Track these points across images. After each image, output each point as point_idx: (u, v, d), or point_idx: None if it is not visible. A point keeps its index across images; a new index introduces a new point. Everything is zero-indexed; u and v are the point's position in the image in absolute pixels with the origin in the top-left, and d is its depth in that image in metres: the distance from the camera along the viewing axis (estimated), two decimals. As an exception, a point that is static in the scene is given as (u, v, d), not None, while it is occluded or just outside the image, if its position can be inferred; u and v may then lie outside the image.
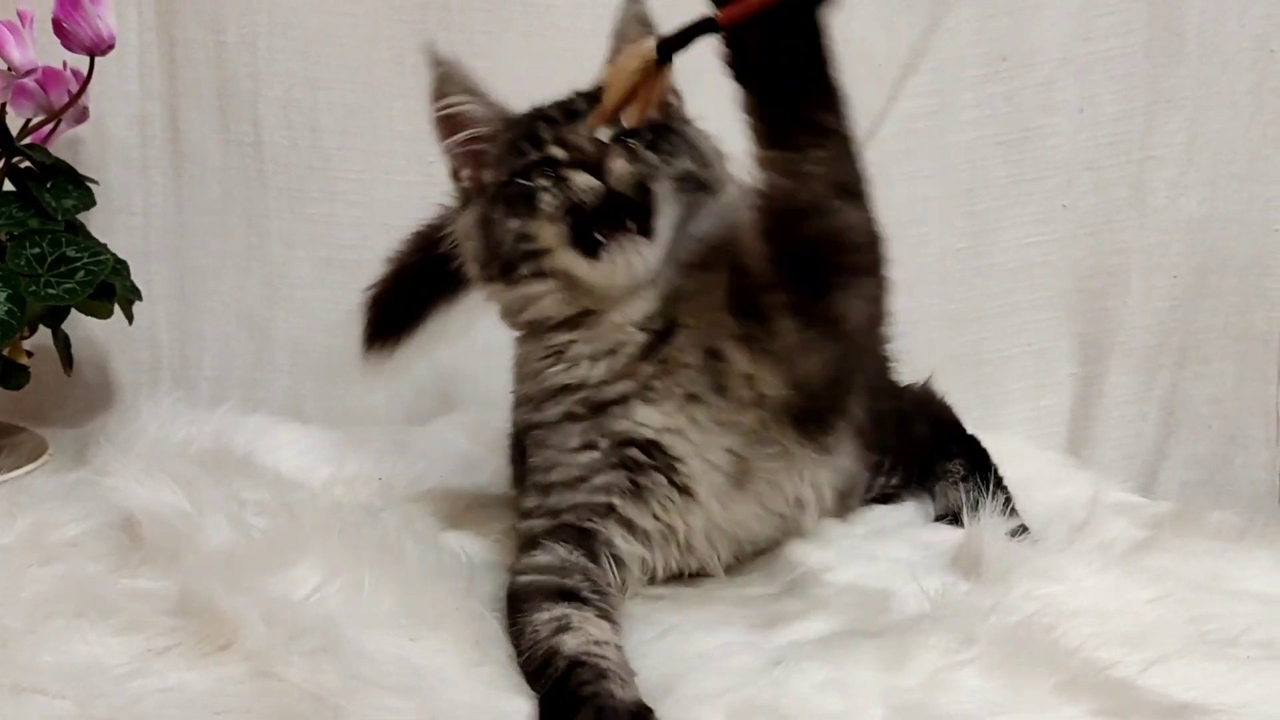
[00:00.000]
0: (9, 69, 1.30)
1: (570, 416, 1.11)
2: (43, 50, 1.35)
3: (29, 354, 1.33)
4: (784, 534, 1.19)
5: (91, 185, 1.38)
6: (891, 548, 1.22)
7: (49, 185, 1.30)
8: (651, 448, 1.08)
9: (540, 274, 1.09)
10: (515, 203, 1.08)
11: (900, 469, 1.39)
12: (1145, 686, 0.87)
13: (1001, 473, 1.38)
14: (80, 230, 1.31)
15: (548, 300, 1.10)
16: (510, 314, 1.16)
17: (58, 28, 1.31)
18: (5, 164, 1.30)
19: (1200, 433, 1.72)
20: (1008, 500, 1.29)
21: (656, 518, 1.10)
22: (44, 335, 1.38)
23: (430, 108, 1.17)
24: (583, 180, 1.05)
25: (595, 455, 1.09)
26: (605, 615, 1.00)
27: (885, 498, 1.39)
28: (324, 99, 1.67)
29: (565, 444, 1.11)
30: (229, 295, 1.70)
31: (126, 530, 1.05)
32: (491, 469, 1.42)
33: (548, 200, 1.06)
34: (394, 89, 1.67)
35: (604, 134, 1.08)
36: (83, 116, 1.42)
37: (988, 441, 1.47)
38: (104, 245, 1.29)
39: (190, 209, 1.68)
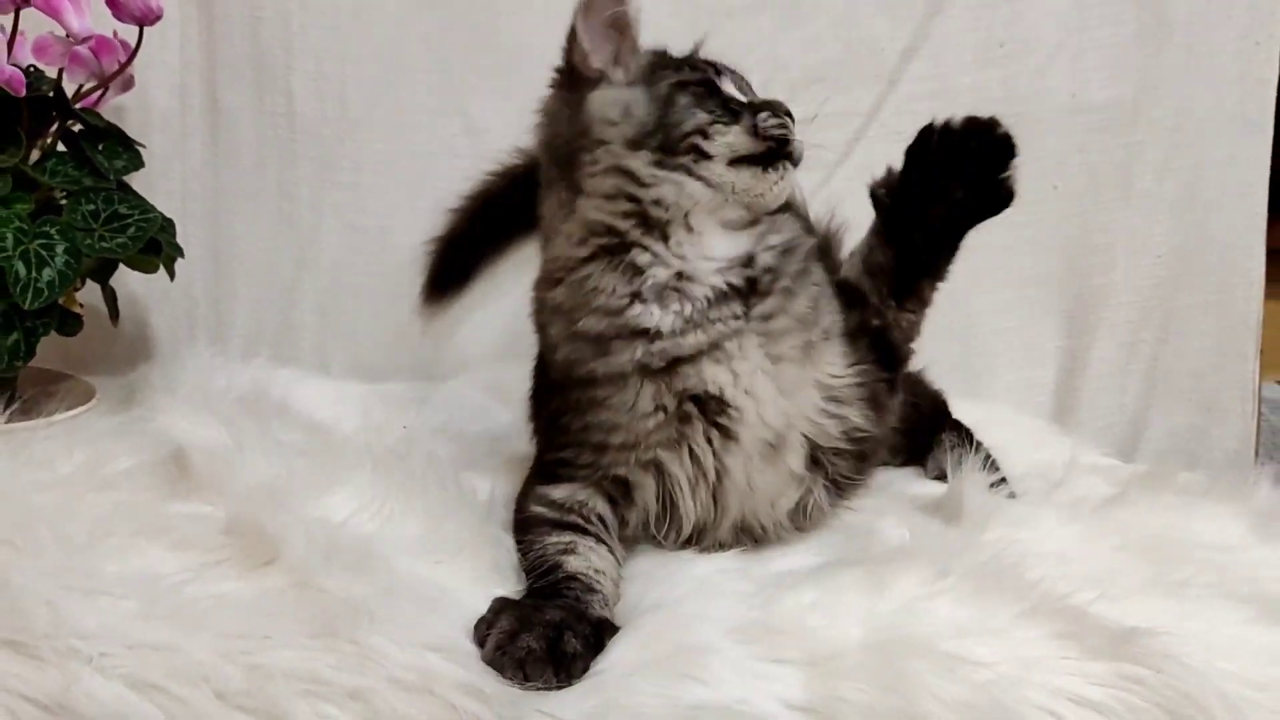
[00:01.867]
0: (67, 36, 1.38)
1: (644, 370, 1.08)
2: (93, 20, 1.42)
3: (81, 305, 1.41)
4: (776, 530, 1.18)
5: (140, 148, 1.46)
6: (879, 500, 1.31)
7: (100, 147, 1.39)
8: (712, 400, 1.09)
9: (691, 173, 1.09)
10: (705, 100, 1.11)
11: (904, 444, 1.45)
12: (1098, 614, 0.95)
13: (984, 441, 1.46)
14: (129, 190, 1.39)
15: (687, 194, 1.09)
16: (639, 187, 1.10)
17: (110, -2, 1.39)
18: (60, 126, 1.39)
19: (1180, 405, 1.80)
20: (988, 458, 1.38)
21: (696, 462, 1.11)
22: (89, 294, 1.46)
23: None
24: (794, 136, 1.13)
25: (661, 418, 1.09)
26: (608, 547, 1.09)
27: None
28: (353, 73, 1.75)
29: (633, 405, 1.09)
30: (261, 258, 1.78)
31: (176, 463, 1.13)
32: (505, 421, 1.51)
33: (768, 119, 1.10)
34: (420, 65, 1.76)
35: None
36: (129, 85, 1.49)
37: (976, 410, 1.55)
38: (152, 205, 1.38)
39: (225, 176, 1.76)
